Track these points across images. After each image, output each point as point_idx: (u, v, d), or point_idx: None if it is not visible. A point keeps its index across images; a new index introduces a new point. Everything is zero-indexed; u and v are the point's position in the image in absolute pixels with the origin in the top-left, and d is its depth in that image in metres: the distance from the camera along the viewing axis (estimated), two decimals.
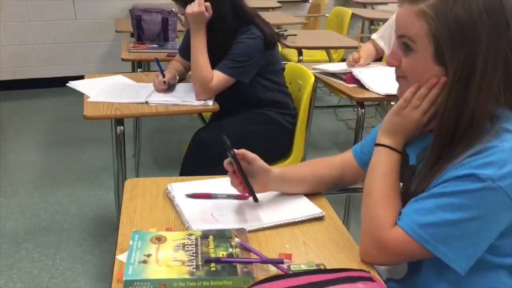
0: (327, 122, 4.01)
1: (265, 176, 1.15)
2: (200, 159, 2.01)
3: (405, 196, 0.96)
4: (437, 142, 0.92)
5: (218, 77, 1.98)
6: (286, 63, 2.38)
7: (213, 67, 2.00)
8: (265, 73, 2.12)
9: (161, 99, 2.00)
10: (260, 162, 1.15)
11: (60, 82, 4.60)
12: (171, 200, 1.21)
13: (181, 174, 2.05)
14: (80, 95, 2.07)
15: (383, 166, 0.99)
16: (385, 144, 1.00)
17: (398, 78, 0.99)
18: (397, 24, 0.94)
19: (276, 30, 3.24)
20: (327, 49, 3.43)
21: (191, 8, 1.92)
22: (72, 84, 2.18)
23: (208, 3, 1.94)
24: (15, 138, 3.62)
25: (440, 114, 0.91)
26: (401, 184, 1.00)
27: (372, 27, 4.70)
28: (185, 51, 2.20)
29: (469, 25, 0.86)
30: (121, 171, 2.07)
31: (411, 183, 0.97)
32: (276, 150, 2.18)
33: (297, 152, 2.20)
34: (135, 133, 3.13)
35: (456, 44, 0.87)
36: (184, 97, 2.03)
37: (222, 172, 1.20)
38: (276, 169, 1.19)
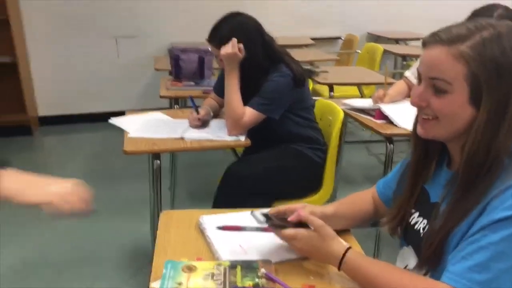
0: (360, 156, 4.03)
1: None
2: (232, 192, 2.08)
3: (430, 234, 0.97)
4: (464, 180, 0.92)
5: (250, 114, 2.07)
6: (318, 99, 2.45)
7: (245, 104, 2.09)
8: (295, 110, 2.20)
9: (195, 135, 2.10)
10: (316, 209, 1.17)
11: (102, 118, 4.85)
12: (202, 232, 1.28)
13: (214, 207, 2.12)
14: (120, 130, 2.19)
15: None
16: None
17: (426, 119, 0.97)
18: (430, 66, 0.93)
19: (309, 67, 3.35)
20: (357, 85, 3.49)
21: (225, 50, 2.04)
22: (113, 120, 2.31)
23: (241, 45, 2.05)
24: (58, 171, 3.79)
25: (470, 153, 0.91)
26: (424, 221, 1.03)
27: (405, 63, 4.74)
28: (219, 89, 2.31)
29: (504, 65, 0.88)
30: (157, 204, 2.16)
31: (435, 220, 0.97)
32: (307, 184, 2.23)
33: (327, 186, 2.24)
34: (172, 167, 3.24)
35: (493, 85, 0.88)
36: (217, 133, 2.12)
37: (253, 204, 1.26)
38: (328, 209, 1.20)
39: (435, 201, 1.01)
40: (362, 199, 1.27)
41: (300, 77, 2.11)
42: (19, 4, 4.52)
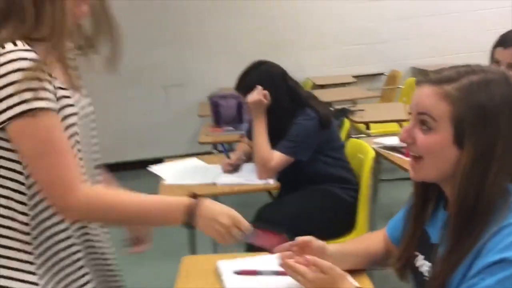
0: (405, 193, 3.92)
1: (321, 255, 1.15)
2: None
3: (431, 278, 0.97)
4: (456, 224, 0.93)
5: (278, 157, 2.12)
6: (358, 137, 2.47)
7: (274, 147, 2.15)
8: (324, 150, 2.23)
9: (227, 180, 2.17)
10: (316, 242, 1.18)
11: (145, 164, 5.05)
12: (219, 277, 1.32)
13: (248, 250, 2.16)
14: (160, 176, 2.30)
15: None
16: None
17: (413, 159, 1.00)
18: (418, 102, 0.96)
19: (344, 106, 3.38)
20: (395, 122, 3.46)
21: (251, 97, 2.13)
22: (152, 168, 2.44)
23: (266, 91, 2.13)
24: None
25: (460, 196, 0.92)
26: (428, 263, 1.03)
27: None
28: (250, 133, 2.39)
29: (491, 112, 0.89)
30: (193, 248, 2.23)
31: (435, 262, 0.97)
32: (340, 225, 2.22)
33: (361, 226, 2.22)
34: None
35: (478, 129, 0.89)
36: (248, 177, 2.19)
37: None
38: (332, 246, 1.22)
39: (435, 242, 1.02)
40: (371, 238, 1.28)
41: (326, 118, 2.16)
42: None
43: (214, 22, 5.02)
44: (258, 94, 2.12)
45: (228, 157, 2.30)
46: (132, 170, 5.12)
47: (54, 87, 0.98)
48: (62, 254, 1.07)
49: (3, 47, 0.93)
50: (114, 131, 5.12)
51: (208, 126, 3.41)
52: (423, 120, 0.95)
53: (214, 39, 5.06)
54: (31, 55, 0.94)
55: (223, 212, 1.04)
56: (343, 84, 4.86)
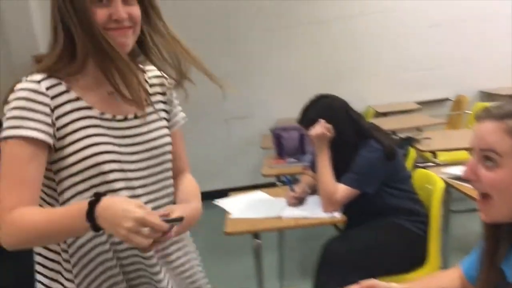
0: (476, 223, 3.73)
1: None
2: (332, 269, 2.09)
3: None
4: None
5: (343, 190, 2.11)
6: (425, 166, 2.41)
7: (338, 180, 2.15)
8: (390, 182, 2.19)
9: (292, 213, 2.18)
10: (381, 285, 1.15)
11: (209, 196, 5.13)
12: None
13: (316, 283, 2.14)
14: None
15: None
16: None
17: (481, 198, 0.97)
18: (481, 138, 0.95)
19: (412, 134, 3.31)
20: (460, 150, 3.34)
21: (315, 131, 2.15)
22: (217, 202, 2.50)
23: (329, 125, 2.14)
24: None
25: None
26: None
27: None
28: (314, 165, 2.40)
29: None
30: (260, 280, 2.24)
31: None
32: (410, 258, 2.16)
33: (433, 259, 2.15)
34: (278, 242, 3.32)
35: None
36: (313, 210, 2.18)
37: (354, 281, 1.25)
38: (399, 286, 1.18)
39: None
40: (444, 277, 1.24)
41: (390, 150, 2.13)
42: None
43: (275, 54, 5.13)
44: (321, 128, 2.13)
45: (293, 189, 2.31)
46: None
47: (56, 117, 1.05)
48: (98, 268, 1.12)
49: (26, 77, 1.06)
50: None
51: (270, 158, 3.45)
52: (487, 156, 0.94)
53: (275, 71, 5.16)
54: (36, 86, 1.04)
55: (126, 216, 0.91)
56: (406, 111, 4.76)
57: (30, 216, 1.00)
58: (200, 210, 1.26)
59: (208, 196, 5.22)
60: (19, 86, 1.04)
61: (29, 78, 1.06)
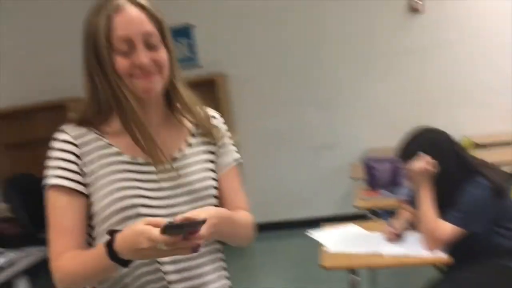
0: None
1: None
2: None
3: None
4: None
5: (448, 228, 2.01)
6: None
7: (442, 217, 2.05)
8: (500, 221, 2.06)
9: (392, 250, 2.11)
10: None
11: (297, 224, 5.12)
12: None
13: None
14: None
15: None
16: None
17: None
18: None
19: None
20: None
21: (417, 166, 2.07)
22: (311, 234, 2.47)
23: (433, 161, 2.06)
24: (263, 279, 4.08)
25: None
26: None
27: None
28: (413, 200, 2.31)
29: None
30: None
31: None
32: None
33: None
34: (371, 277, 3.22)
35: None
36: (414, 248, 2.10)
37: None
38: None
39: None
40: None
41: (500, 187, 2.01)
42: (235, 130, 5.25)
43: (365, 82, 5.06)
44: (424, 163, 2.06)
45: (391, 225, 2.24)
46: (283, 229, 5.24)
47: (85, 164, 1.09)
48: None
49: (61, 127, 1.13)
50: (265, 191, 5.32)
51: (361, 189, 3.38)
52: None
53: (365, 99, 5.07)
54: (64, 136, 1.11)
55: (138, 239, 0.91)
56: (506, 144, 4.46)
57: (69, 261, 1.05)
58: (250, 237, 1.24)
59: (296, 225, 5.23)
60: (54, 136, 1.12)
61: (61, 128, 1.13)
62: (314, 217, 5.26)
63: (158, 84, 1.09)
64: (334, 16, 5.02)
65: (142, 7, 1.07)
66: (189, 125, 1.20)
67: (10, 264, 2.74)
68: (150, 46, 1.06)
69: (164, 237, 0.89)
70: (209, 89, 4.99)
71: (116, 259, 0.96)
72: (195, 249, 0.94)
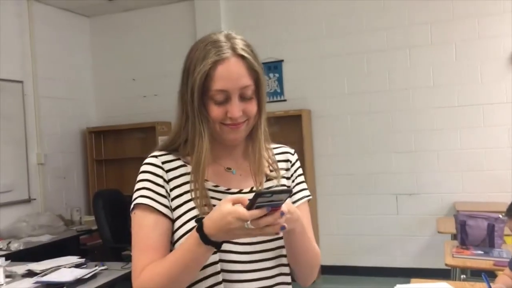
0: None
1: None
2: None
3: None
4: None
5: None
6: None
7: None
8: None
9: None
10: None
11: (378, 272, 4.89)
12: None
13: None
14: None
15: None
16: None
17: None
18: None
19: None
20: None
21: None
22: (399, 286, 2.33)
23: None
24: None
25: None
26: None
27: None
28: None
29: None
30: None
31: None
32: None
33: None
34: None
35: None
36: None
37: None
38: None
39: None
40: None
41: None
42: (314, 167, 5.20)
43: (446, 135, 4.83)
44: None
45: None
46: (361, 275, 5.04)
47: (171, 188, 1.14)
48: None
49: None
50: (341, 236, 5.18)
51: (451, 245, 3.16)
52: None
53: (451, 149, 4.83)
54: (154, 160, 1.16)
55: (227, 219, 0.95)
56: None
57: (153, 269, 1.06)
58: (315, 267, 1.23)
59: (373, 271, 4.96)
60: (145, 160, 1.17)
61: (151, 154, 1.18)
62: (388, 266, 5.03)
63: (244, 132, 1.15)
64: (424, 64, 4.90)
65: (243, 57, 1.10)
66: (267, 158, 1.22)
67: (93, 276, 2.82)
68: (244, 98, 1.11)
69: (251, 212, 0.93)
70: (293, 123, 5.01)
71: (210, 243, 0.99)
72: (280, 228, 0.97)
